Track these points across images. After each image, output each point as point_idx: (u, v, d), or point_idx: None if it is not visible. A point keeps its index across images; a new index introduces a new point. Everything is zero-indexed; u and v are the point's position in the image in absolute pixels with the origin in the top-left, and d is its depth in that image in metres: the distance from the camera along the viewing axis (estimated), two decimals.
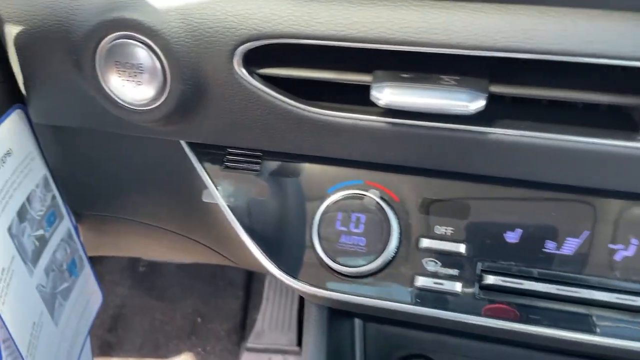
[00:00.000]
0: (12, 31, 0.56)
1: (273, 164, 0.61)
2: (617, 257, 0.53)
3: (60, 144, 0.67)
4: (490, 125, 0.51)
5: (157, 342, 1.62)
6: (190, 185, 0.65)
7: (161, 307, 1.68)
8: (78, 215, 0.78)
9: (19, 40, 0.56)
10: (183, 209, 0.70)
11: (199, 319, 1.66)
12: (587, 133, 0.49)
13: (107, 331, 1.59)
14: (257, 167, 0.61)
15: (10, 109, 0.62)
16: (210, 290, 1.71)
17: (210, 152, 0.62)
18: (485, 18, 0.46)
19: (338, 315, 0.75)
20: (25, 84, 0.60)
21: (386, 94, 0.50)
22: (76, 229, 0.76)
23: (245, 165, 0.61)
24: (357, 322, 0.80)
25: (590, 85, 0.48)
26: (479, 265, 0.55)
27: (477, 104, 0.48)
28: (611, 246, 0.53)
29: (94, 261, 0.80)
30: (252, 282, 1.73)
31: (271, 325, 1.62)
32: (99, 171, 0.69)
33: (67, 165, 0.69)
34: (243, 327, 1.65)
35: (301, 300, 1.62)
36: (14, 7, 0.55)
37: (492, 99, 0.49)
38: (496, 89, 0.49)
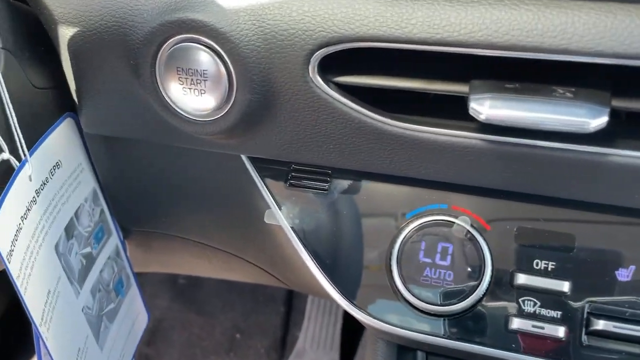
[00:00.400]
0: (66, 33, 0.51)
1: (343, 183, 0.55)
2: None
3: (112, 156, 0.62)
4: (608, 146, 0.43)
5: (195, 357, 1.57)
6: (250, 203, 0.59)
7: (200, 322, 1.64)
8: (126, 231, 0.73)
9: (72, 43, 0.51)
10: (239, 228, 0.64)
11: (238, 335, 1.61)
12: None
13: (146, 345, 1.56)
14: (325, 185, 0.55)
15: (61, 118, 0.58)
16: (251, 305, 1.66)
17: (273, 168, 0.56)
18: (613, 20, 0.39)
19: (404, 349, 0.68)
20: (77, 90, 0.55)
21: (488, 107, 0.43)
22: (124, 245, 0.72)
23: (312, 184, 0.55)
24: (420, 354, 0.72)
25: None
26: (586, 307, 0.48)
27: (599, 120, 0.41)
28: None
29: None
30: (293, 297, 1.67)
31: (313, 344, 1.56)
32: (152, 185, 0.63)
33: (117, 178, 0.64)
34: (283, 345, 1.60)
35: (345, 319, 1.55)
36: (68, 8, 0.50)
37: (614, 116, 0.42)
38: (620, 103, 0.42)
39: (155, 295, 1.63)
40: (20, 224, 0.51)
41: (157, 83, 0.49)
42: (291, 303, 1.65)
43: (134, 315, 0.74)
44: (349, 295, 0.55)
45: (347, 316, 1.55)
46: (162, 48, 0.48)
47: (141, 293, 0.76)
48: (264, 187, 0.56)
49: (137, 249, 0.77)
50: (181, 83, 0.48)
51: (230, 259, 0.73)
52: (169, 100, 0.50)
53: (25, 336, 1.46)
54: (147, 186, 0.64)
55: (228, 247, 0.70)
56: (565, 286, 0.48)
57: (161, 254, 0.79)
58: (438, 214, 0.50)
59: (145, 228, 0.72)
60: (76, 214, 0.60)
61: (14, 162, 0.51)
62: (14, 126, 0.51)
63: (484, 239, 0.49)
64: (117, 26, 0.49)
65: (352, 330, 1.55)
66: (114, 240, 0.68)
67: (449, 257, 0.49)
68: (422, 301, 0.49)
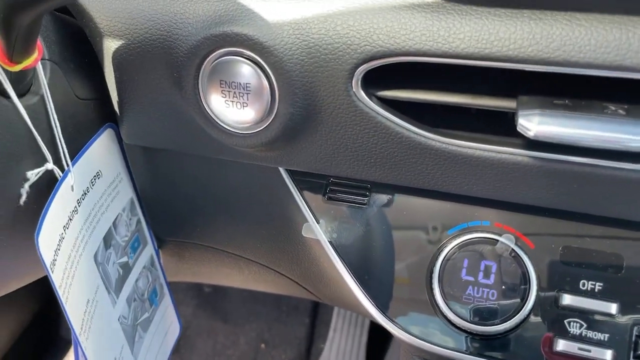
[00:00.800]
0: (110, 46, 0.52)
1: (382, 197, 0.54)
2: None
3: (150, 166, 0.63)
4: None
5: None
6: (286, 216, 0.59)
7: (225, 331, 1.64)
8: (160, 240, 0.73)
9: (117, 55, 0.52)
10: (274, 241, 0.64)
11: (262, 345, 1.61)
12: None
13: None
14: (364, 199, 0.54)
15: (102, 129, 0.58)
16: (275, 315, 1.65)
17: (311, 181, 0.56)
18: None
19: None
20: (119, 102, 0.56)
21: (536, 124, 0.42)
22: (158, 255, 0.72)
23: (351, 198, 0.55)
24: None
25: None
26: (635, 330, 0.46)
27: None
28: None
29: None
30: (318, 308, 1.66)
31: (338, 357, 1.55)
32: (188, 196, 0.64)
33: (154, 189, 0.65)
34: (308, 357, 1.59)
35: (371, 332, 1.54)
36: (114, 21, 0.51)
37: None
38: None
39: (180, 303, 1.64)
40: (62, 233, 0.51)
41: (199, 95, 0.49)
42: (316, 314, 1.64)
43: (166, 325, 0.75)
44: (386, 311, 0.54)
45: (372, 329, 1.53)
46: (206, 61, 0.48)
47: (174, 303, 0.76)
48: (302, 200, 0.56)
49: (171, 258, 0.77)
50: (224, 96, 0.48)
51: (262, 270, 0.72)
52: (210, 113, 0.50)
53: (50, 345, 1.48)
54: (184, 196, 0.64)
55: (262, 259, 0.70)
56: (613, 308, 0.46)
57: (194, 264, 0.79)
58: (481, 231, 0.50)
59: (179, 238, 0.72)
60: (114, 223, 0.61)
61: (57, 172, 0.51)
62: (58, 136, 0.51)
63: (529, 258, 0.48)
64: (162, 39, 0.49)
65: (377, 344, 1.53)
66: (149, 249, 0.69)
67: (492, 276, 0.48)
68: (464, 320, 0.48)
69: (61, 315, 1.53)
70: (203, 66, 0.48)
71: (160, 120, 0.55)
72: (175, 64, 0.49)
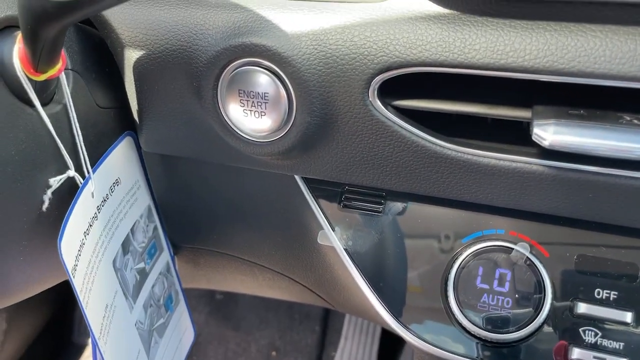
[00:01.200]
0: (132, 56, 0.53)
1: (397, 205, 0.55)
2: None
3: (167, 174, 0.64)
4: None
5: None
6: (302, 224, 0.60)
7: (236, 338, 1.64)
8: (175, 247, 0.74)
9: (138, 65, 0.53)
10: (290, 248, 0.65)
11: (273, 353, 1.61)
12: None
13: None
14: (379, 207, 0.55)
15: (121, 137, 0.60)
16: (287, 322, 1.66)
17: (327, 189, 0.57)
18: None
19: None
20: (139, 111, 0.57)
21: (552, 133, 0.42)
22: (174, 261, 0.73)
23: (366, 205, 0.55)
24: None
25: None
26: None
27: None
28: None
29: None
30: (329, 316, 1.66)
31: None
32: (205, 203, 0.65)
33: (171, 196, 0.66)
34: None
35: (382, 340, 1.53)
36: (135, 31, 0.52)
37: None
38: None
39: (193, 310, 1.64)
40: (83, 239, 0.52)
41: (218, 105, 0.50)
42: (327, 322, 1.64)
43: (181, 330, 0.75)
44: (400, 318, 0.54)
45: (384, 337, 1.53)
46: (225, 71, 0.49)
47: (189, 309, 0.77)
48: (318, 208, 0.57)
49: (186, 265, 0.78)
50: (242, 105, 0.49)
51: (276, 277, 0.73)
52: (229, 122, 0.51)
53: (63, 350, 1.49)
54: (200, 204, 0.65)
55: (276, 266, 0.70)
56: (628, 316, 0.47)
57: (209, 271, 0.80)
58: (496, 240, 0.50)
59: (194, 245, 0.73)
60: (132, 229, 0.62)
61: (78, 179, 0.53)
62: (80, 144, 0.53)
63: (544, 266, 0.48)
64: (182, 49, 0.50)
65: (388, 352, 1.53)
66: (165, 256, 0.70)
67: (507, 284, 0.48)
68: (479, 327, 0.48)
69: (74, 320, 1.54)
70: (222, 76, 0.49)
71: (179, 129, 0.56)
72: (195, 74, 0.50)
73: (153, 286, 0.67)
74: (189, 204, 0.66)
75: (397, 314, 0.54)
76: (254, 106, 0.49)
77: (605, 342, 0.47)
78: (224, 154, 0.55)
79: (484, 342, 0.49)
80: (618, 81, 0.39)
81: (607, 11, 0.40)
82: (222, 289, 1.32)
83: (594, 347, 0.47)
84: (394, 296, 0.54)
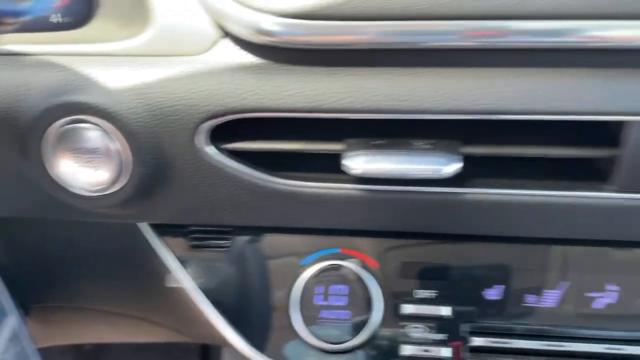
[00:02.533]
0: None
1: (244, 239, 0.58)
2: (598, 305, 0.53)
3: (5, 236, 0.62)
4: (463, 186, 0.51)
5: None
6: (150, 268, 0.61)
7: None
8: (25, 308, 0.71)
9: None
10: (144, 292, 0.65)
11: None
12: (558, 187, 0.50)
13: None
14: (227, 242, 0.58)
15: None
16: None
17: (174, 231, 0.59)
18: (456, 82, 0.46)
19: None
20: None
21: (359, 163, 0.49)
22: (23, 324, 0.69)
23: (214, 243, 0.58)
24: None
25: (559, 140, 0.49)
26: (465, 327, 0.54)
27: (452, 167, 0.48)
28: (590, 294, 0.54)
29: None
30: (208, 350, 1.64)
31: None
32: (50, 261, 0.63)
33: (13, 258, 0.63)
34: None
35: None
36: None
37: (468, 159, 0.49)
38: (469, 150, 0.49)
39: None
40: None
41: (44, 163, 0.50)
42: (207, 355, 1.62)
43: None
44: (257, 345, 0.58)
45: None
46: (49, 130, 0.49)
47: None
48: (164, 250, 0.59)
49: (39, 324, 0.74)
50: (74, 162, 0.50)
51: (137, 322, 0.73)
52: (61, 180, 0.51)
53: None
54: (46, 262, 0.63)
55: (133, 312, 0.70)
56: (444, 310, 0.54)
57: (64, 327, 0.77)
58: (330, 259, 0.55)
59: (45, 303, 0.71)
60: None
61: None
62: None
63: (374, 277, 0.55)
64: (8, 109, 0.50)
65: None
66: (11, 320, 0.66)
67: (343, 298, 0.54)
68: (323, 341, 0.53)
69: None
70: (46, 134, 0.49)
71: (9, 191, 0.55)
72: (19, 135, 0.50)
73: (3, 353, 0.64)
74: (33, 263, 0.64)
75: (253, 342, 0.58)
76: (88, 162, 0.50)
77: (430, 336, 0.54)
78: (60, 211, 0.55)
79: (330, 354, 0.54)
80: (403, 114, 0.47)
81: (388, 57, 0.47)
82: (81, 342, 1.25)
83: (421, 342, 0.54)
84: (248, 325, 0.58)
